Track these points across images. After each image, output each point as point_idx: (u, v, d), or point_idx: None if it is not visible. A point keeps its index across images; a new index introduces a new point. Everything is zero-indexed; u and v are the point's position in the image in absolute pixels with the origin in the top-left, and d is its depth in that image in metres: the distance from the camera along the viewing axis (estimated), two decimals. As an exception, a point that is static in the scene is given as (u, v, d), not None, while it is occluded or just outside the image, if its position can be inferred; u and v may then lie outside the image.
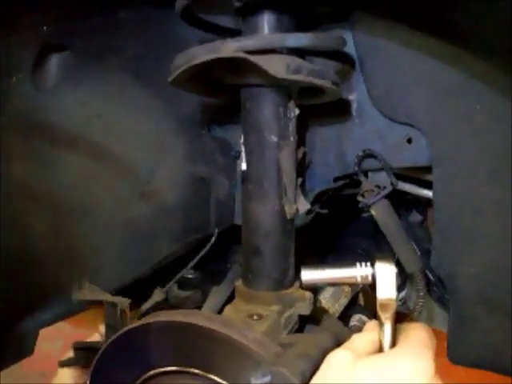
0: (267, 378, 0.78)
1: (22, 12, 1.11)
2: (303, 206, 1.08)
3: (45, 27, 1.16)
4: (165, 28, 1.25)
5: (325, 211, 1.26)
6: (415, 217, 1.40)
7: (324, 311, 1.27)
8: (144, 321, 0.95)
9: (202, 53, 0.93)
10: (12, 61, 1.19)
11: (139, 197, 1.39)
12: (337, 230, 1.53)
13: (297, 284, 1.11)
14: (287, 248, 1.09)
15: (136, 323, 0.97)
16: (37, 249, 1.35)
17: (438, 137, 1.07)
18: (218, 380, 0.88)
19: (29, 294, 1.37)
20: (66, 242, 1.39)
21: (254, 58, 0.88)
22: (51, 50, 1.22)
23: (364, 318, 1.20)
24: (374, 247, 1.42)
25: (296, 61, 0.93)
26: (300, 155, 1.08)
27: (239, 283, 1.13)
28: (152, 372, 0.95)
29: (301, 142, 1.11)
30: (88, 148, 1.31)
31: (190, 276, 1.67)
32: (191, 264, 1.40)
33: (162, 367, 0.94)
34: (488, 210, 1.08)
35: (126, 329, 0.98)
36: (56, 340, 3.31)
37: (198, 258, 1.40)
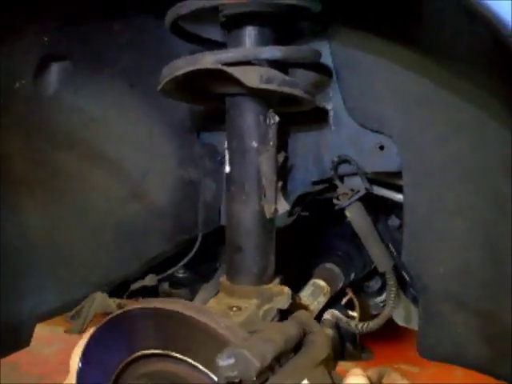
0: (231, 360, 0.85)
1: (24, 23, 1.19)
2: (283, 206, 1.15)
3: (46, 38, 1.25)
4: (157, 40, 1.33)
5: (305, 213, 1.34)
6: (393, 221, 1.47)
7: (303, 307, 1.34)
8: (126, 308, 1.03)
9: (184, 65, 1.01)
10: (15, 68, 1.28)
11: (131, 198, 1.46)
12: (319, 233, 1.61)
13: (277, 280, 1.18)
14: (267, 246, 1.16)
15: (119, 310, 1.04)
16: (33, 242, 1.42)
17: (407, 144, 1.15)
18: (193, 362, 0.95)
19: (26, 284, 1.45)
20: (60, 238, 1.47)
21: (229, 69, 0.96)
22: (52, 59, 1.31)
23: (337, 313, 1.26)
24: (353, 249, 1.49)
25: (270, 72, 1.01)
26: (281, 159, 1.15)
27: (223, 279, 1.20)
28: (134, 355, 1.03)
29: (282, 147, 1.18)
30: (84, 150, 1.39)
31: (180, 275, 1.74)
32: (182, 262, 1.47)
33: (142, 350, 1.02)
34: (455, 213, 1.15)
35: (110, 316, 1.05)
36: (54, 344, 3.39)
37: (188, 257, 1.47)
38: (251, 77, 0.96)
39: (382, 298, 1.68)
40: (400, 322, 1.64)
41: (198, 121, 1.46)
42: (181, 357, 0.97)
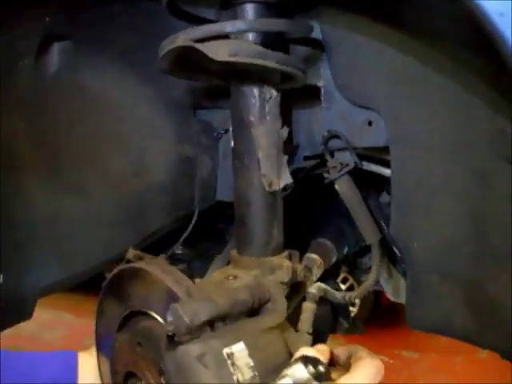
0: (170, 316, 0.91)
1: (27, 4, 1.24)
2: (286, 179, 1.19)
3: (47, 18, 1.29)
4: (156, 20, 1.37)
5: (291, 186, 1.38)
6: (385, 198, 1.51)
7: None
8: (118, 268, 1.10)
9: (165, 44, 1.06)
10: (18, 48, 1.32)
11: (132, 174, 1.51)
12: (312, 210, 1.65)
13: (284, 254, 1.22)
14: (269, 219, 1.20)
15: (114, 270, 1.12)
16: (36, 218, 1.48)
17: (394, 120, 1.19)
18: (156, 317, 1.03)
19: (29, 259, 1.50)
20: (62, 215, 1.52)
21: (198, 45, 1.00)
22: (53, 40, 1.35)
23: (323, 285, 1.30)
24: (345, 225, 1.53)
25: (241, 45, 1.05)
26: (284, 134, 1.18)
27: (233, 251, 1.24)
28: (127, 312, 1.10)
29: (286, 123, 1.21)
30: (85, 129, 1.44)
31: (179, 251, 1.80)
32: (182, 238, 1.52)
33: (131, 308, 1.09)
34: (440, 187, 1.19)
35: (109, 276, 1.13)
36: (57, 329, 3.45)
37: (186, 233, 1.52)
38: (220, 51, 1.00)
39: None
40: (390, 296, 1.68)
41: (195, 99, 1.50)
42: (147, 311, 1.05)
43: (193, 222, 1.51)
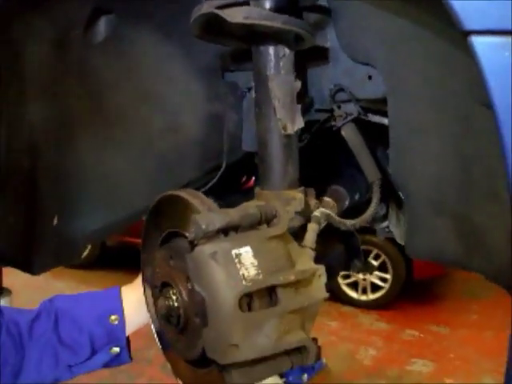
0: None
1: None
2: (299, 123, 1.38)
3: None
4: None
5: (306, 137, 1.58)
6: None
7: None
8: (157, 197, 1.33)
9: (194, 11, 1.27)
10: (70, 20, 1.54)
11: (168, 130, 1.74)
12: (326, 160, 1.85)
13: (300, 189, 1.41)
14: (284, 157, 1.39)
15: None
16: (86, 171, 1.70)
17: (390, 74, 1.37)
18: (183, 233, 1.26)
19: (80, 207, 1.74)
20: (108, 168, 1.75)
21: (218, 11, 1.20)
22: (100, 13, 1.57)
23: (326, 211, 1.46)
24: (356, 174, 1.71)
25: (253, 10, 1.24)
26: (297, 86, 1.37)
27: (257, 187, 1.45)
28: (164, 233, 1.32)
29: (298, 77, 1.39)
30: (129, 90, 1.66)
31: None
32: (210, 184, 1.74)
33: (168, 229, 1.32)
34: (430, 130, 1.37)
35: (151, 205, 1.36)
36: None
37: (215, 178, 1.74)
38: (235, 15, 1.20)
39: (387, 223, 1.90)
40: (398, 239, 1.85)
41: (222, 63, 1.71)
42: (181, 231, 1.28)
43: (221, 170, 1.72)
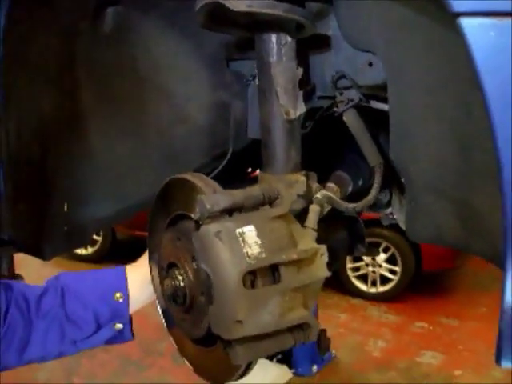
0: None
1: None
2: (301, 108, 1.42)
3: None
4: None
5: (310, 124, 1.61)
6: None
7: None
8: (165, 180, 1.37)
9: (198, 1, 1.31)
10: (79, 11, 1.59)
11: (176, 120, 1.78)
12: (330, 147, 1.88)
13: (301, 173, 1.44)
14: (287, 142, 1.43)
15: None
16: (96, 160, 1.75)
17: (390, 61, 1.40)
18: (190, 215, 1.31)
19: (90, 194, 1.78)
20: (117, 157, 1.79)
21: (223, 1, 1.23)
22: (107, 4, 1.61)
23: (328, 193, 1.51)
24: (359, 160, 1.74)
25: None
26: (299, 73, 1.41)
27: (261, 172, 1.48)
28: (172, 215, 1.37)
29: (300, 65, 1.43)
30: (135, 79, 1.70)
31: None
32: (216, 171, 1.78)
33: (175, 211, 1.36)
34: (430, 115, 1.39)
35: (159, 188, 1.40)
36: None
37: (222, 165, 1.78)
38: (239, 4, 1.24)
39: (390, 210, 1.93)
40: (402, 226, 1.88)
41: (227, 52, 1.75)
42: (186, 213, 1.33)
43: (227, 157, 1.76)
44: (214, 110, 1.79)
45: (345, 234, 1.81)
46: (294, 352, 5.11)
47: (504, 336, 1.08)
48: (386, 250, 6.80)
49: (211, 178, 1.66)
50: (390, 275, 6.87)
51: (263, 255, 1.17)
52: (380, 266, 6.88)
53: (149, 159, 1.84)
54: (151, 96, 1.75)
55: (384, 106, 1.54)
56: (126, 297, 1.51)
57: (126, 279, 1.54)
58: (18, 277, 2.31)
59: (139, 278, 1.56)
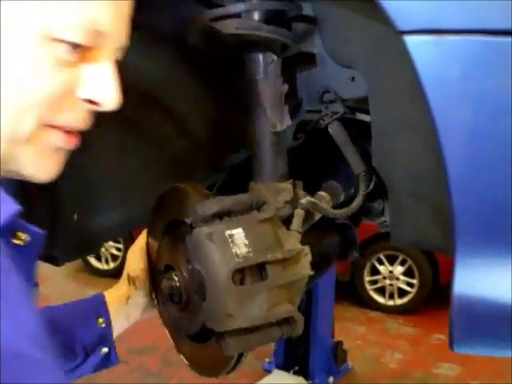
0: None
1: None
2: (287, 122, 1.54)
3: None
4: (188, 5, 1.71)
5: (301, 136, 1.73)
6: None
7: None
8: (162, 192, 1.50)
9: (189, 23, 1.43)
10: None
11: (179, 134, 1.90)
12: (321, 158, 1.98)
13: (288, 182, 1.56)
14: (274, 153, 1.54)
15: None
16: (105, 171, 1.86)
17: (372, 76, 1.51)
18: (184, 220, 1.41)
19: (99, 203, 1.89)
20: (126, 169, 1.90)
21: (214, 24, 1.37)
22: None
23: (312, 199, 1.59)
24: (350, 170, 1.83)
25: (243, 21, 1.42)
26: (284, 89, 1.53)
27: (252, 182, 1.59)
28: (167, 222, 1.49)
29: (286, 81, 1.55)
30: (139, 95, 1.82)
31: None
32: (218, 184, 1.90)
33: (170, 218, 1.48)
34: (409, 127, 1.49)
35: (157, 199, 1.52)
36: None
37: (221, 180, 1.90)
38: (228, 26, 1.38)
39: (383, 218, 2.02)
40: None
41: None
42: (180, 218, 1.45)
43: (225, 170, 1.88)
44: (214, 124, 1.90)
45: (337, 240, 1.91)
46: (311, 363, 5.20)
47: (454, 323, 1.18)
48: (403, 263, 6.86)
49: (215, 190, 1.80)
50: (407, 288, 6.93)
51: (251, 255, 1.29)
52: (397, 279, 6.94)
53: (153, 171, 1.95)
54: (154, 113, 1.86)
55: (368, 118, 1.64)
56: (108, 321, 1.55)
57: (105, 304, 1.58)
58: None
59: (116, 300, 1.60)
